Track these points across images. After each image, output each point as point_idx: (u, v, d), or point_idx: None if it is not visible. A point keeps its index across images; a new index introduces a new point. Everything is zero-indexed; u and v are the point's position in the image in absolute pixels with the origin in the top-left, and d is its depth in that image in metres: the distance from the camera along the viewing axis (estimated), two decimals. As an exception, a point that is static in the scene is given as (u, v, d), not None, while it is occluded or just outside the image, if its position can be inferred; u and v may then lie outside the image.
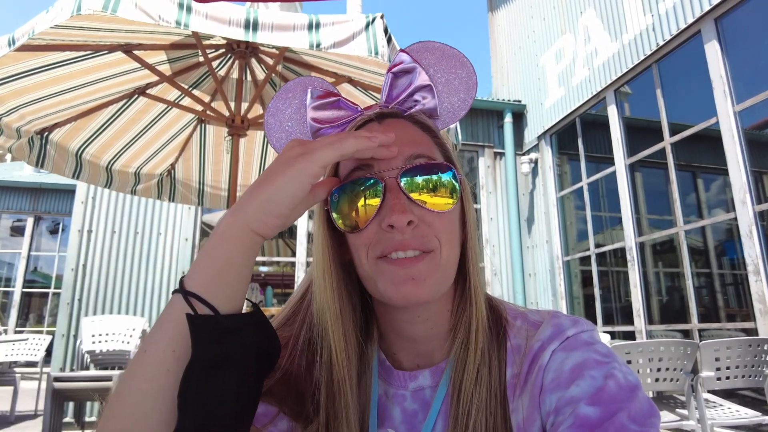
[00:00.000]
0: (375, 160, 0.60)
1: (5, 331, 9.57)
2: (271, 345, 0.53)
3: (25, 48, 2.18)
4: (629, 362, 2.84)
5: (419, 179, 0.58)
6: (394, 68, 0.64)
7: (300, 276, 6.07)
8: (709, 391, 3.10)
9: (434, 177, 0.59)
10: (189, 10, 1.74)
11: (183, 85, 2.96)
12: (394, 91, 0.65)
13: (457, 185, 0.60)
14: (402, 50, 0.65)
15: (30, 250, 10.45)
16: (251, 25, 1.80)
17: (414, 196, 0.58)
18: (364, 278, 0.61)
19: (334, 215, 0.60)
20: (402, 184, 0.58)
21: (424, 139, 0.63)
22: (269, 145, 3.71)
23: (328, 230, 0.63)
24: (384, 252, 0.57)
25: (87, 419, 4.83)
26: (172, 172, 3.59)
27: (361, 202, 0.58)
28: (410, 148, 0.60)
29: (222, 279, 0.49)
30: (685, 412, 2.90)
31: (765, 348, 2.91)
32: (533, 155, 6.54)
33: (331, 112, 0.65)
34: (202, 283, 0.49)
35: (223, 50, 2.84)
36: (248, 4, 2.31)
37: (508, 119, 6.74)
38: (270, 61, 2.93)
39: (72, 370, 4.86)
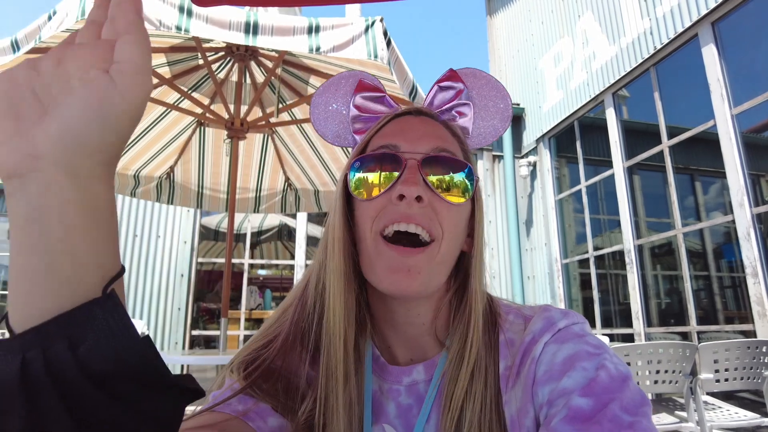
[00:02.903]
0: (402, 142, 0.63)
1: (3, 335, 9.54)
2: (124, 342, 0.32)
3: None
4: (628, 364, 2.85)
5: (438, 169, 0.61)
6: (441, 82, 0.70)
7: (299, 279, 6.06)
8: (707, 394, 3.11)
9: (452, 172, 0.62)
10: (189, 13, 1.75)
11: (182, 87, 2.97)
12: (436, 101, 0.70)
13: (470, 187, 0.63)
14: (452, 70, 0.71)
15: (28, 252, 10.42)
16: (251, 29, 1.81)
17: (431, 181, 0.60)
18: (363, 254, 0.62)
19: (352, 181, 0.63)
20: (422, 167, 0.61)
21: (451, 140, 0.67)
22: (268, 148, 3.72)
23: (344, 199, 0.65)
24: (386, 224, 0.59)
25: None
26: (171, 174, 3.60)
27: (380, 173, 0.61)
28: (437, 141, 0.64)
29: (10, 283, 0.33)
30: (684, 414, 2.90)
31: (763, 350, 2.91)
32: (532, 158, 6.55)
33: (375, 105, 0.71)
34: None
35: (223, 53, 2.85)
36: (248, 7, 2.32)
37: (506, 122, 6.75)
38: (269, 64, 2.94)
39: (70, 373, 4.84)
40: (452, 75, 0.70)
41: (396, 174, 0.60)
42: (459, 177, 0.62)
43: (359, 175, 0.62)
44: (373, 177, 0.61)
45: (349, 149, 0.73)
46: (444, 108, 0.69)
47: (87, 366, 0.30)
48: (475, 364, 0.59)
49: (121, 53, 0.35)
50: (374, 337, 0.69)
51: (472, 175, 0.63)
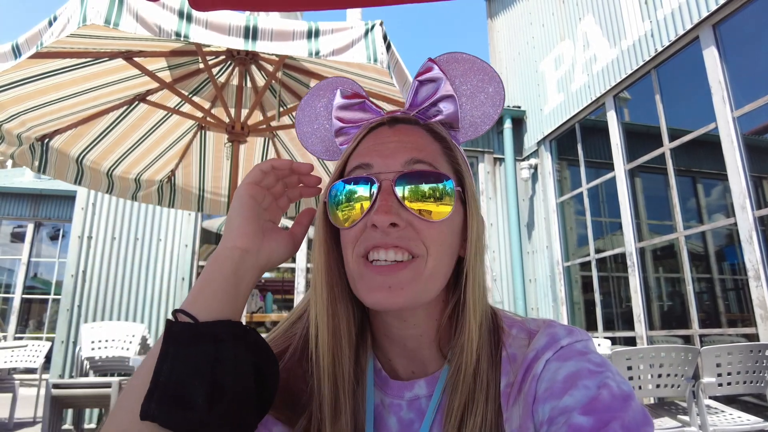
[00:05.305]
0: (376, 160, 0.61)
1: (5, 338, 9.55)
2: (266, 365, 0.55)
3: (27, 55, 2.19)
4: (630, 368, 2.84)
5: (414, 185, 0.59)
6: (420, 76, 0.65)
7: (300, 282, 6.05)
8: (710, 397, 3.09)
9: (430, 185, 0.59)
10: (189, 18, 1.75)
11: (183, 91, 2.97)
12: (418, 98, 0.66)
13: (452, 196, 0.60)
14: (430, 59, 0.65)
15: (30, 256, 10.44)
16: (251, 34, 1.81)
17: (407, 200, 0.58)
18: (350, 277, 0.62)
19: (330, 210, 0.62)
20: (396, 187, 0.58)
21: (430, 147, 0.63)
22: (268, 152, 3.72)
23: (326, 225, 0.64)
24: (366, 249, 0.58)
25: (86, 426, 4.81)
26: (173, 178, 3.60)
27: (355, 199, 0.60)
28: (411, 153, 0.61)
29: (203, 292, 0.55)
30: (686, 418, 2.89)
31: (766, 353, 2.90)
32: (533, 161, 6.55)
33: (356, 113, 0.68)
34: (188, 300, 0.55)
35: (223, 57, 2.86)
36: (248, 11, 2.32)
37: (507, 125, 6.75)
38: (270, 68, 2.95)
39: (71, 376, 4.85)
40: (431, 66, 0.64)
41: (371, 199, 0.59)
42: (438, 189, 0.59)
43: (336, 202, 0.62)
44: (349, 203, 0.60)
45: None
46: (425, 105, 0.65)
47: (246, 345, 0.54)
48: (475, 378, 0.58)
49: (299, 227, 0.69)
50: (376, 350, 0.68)
51: (452, 183, 0.60)
